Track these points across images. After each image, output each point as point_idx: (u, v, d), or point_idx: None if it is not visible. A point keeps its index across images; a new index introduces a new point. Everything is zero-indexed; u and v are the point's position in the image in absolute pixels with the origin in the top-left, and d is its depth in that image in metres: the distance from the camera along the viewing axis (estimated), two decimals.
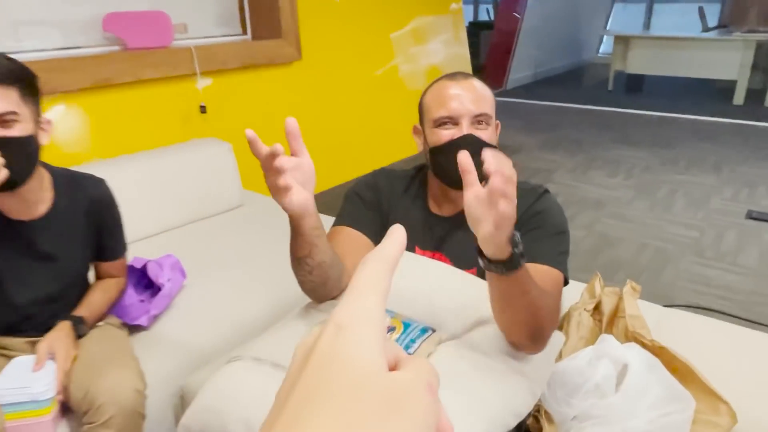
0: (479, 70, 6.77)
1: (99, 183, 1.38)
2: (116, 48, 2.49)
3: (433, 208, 1.21)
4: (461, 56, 4.52)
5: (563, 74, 8.50)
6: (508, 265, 0.83)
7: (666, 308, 1.52)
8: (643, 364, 1.07)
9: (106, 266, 1.43)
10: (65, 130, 2.25)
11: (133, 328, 1.48)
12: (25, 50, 2.22)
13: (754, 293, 2.43)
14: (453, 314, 1.00)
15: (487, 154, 0.79)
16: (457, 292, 1.03)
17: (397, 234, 0.29)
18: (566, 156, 4.49)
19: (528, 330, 0.93)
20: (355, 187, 1.25)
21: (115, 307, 1.46)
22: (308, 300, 1.68)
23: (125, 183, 2.01)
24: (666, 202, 3.50)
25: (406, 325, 0.93)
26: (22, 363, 1.21)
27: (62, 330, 1.25)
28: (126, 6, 2.47)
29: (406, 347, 0.90)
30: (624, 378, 1.07)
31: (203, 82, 2.72)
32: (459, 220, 1.17)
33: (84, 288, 1.41)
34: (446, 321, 0.98)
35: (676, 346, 1.20)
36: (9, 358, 1.25)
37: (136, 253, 1.67)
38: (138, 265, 1.55)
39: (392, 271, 0.27)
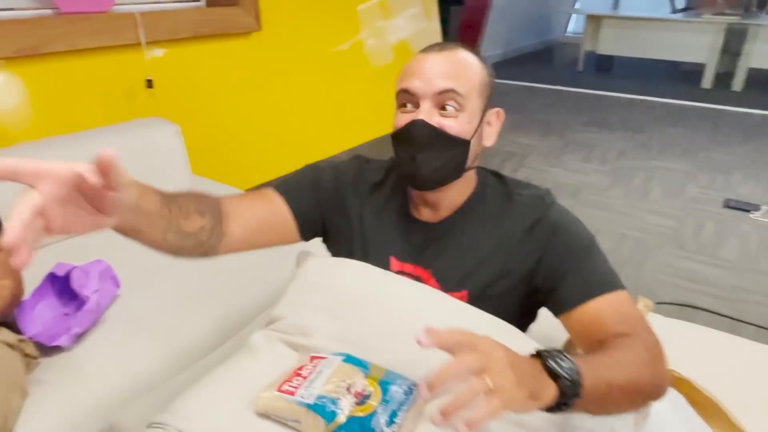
0: None
1: None
2: (47, 11, 2.17)
3: (414, 211, 0.97)
4: (432, 32, 4.29)
5: (533, 53, 8.35)
6: (568, 403, 0.61)
7: (667, 319, 1.37)
8: (666, 403, 0.90)
9: None
10: None
11: (53, 349, 1.23)
12: None
13: (737, 288, 2.33)
14: (441, 359, 0.80)
15: (422, 337, 0.56)
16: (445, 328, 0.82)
17: None
18: (539, 139, 4.35)
19: (642, 402, 0.75)
20: (320, 164, 1.03)
21: (30, 323, 1.22)
22: (259, 315, 1.47)
23: None
24: (642, 189, 3.39)
25: (385, 389, 0.72)
26: None
27: None
28: None
29: (388, 424, 0.69)
30: (643, 420, 0.90)
31: (150, 53, 2.43)
32: (445, 228, 0.94)
33: None
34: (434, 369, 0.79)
35: (686, 367, 1.04)
36: None
37: (61, 256, 1.42)
38: (61, 273, 1.30)
39: None
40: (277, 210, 0.94)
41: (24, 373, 1.16)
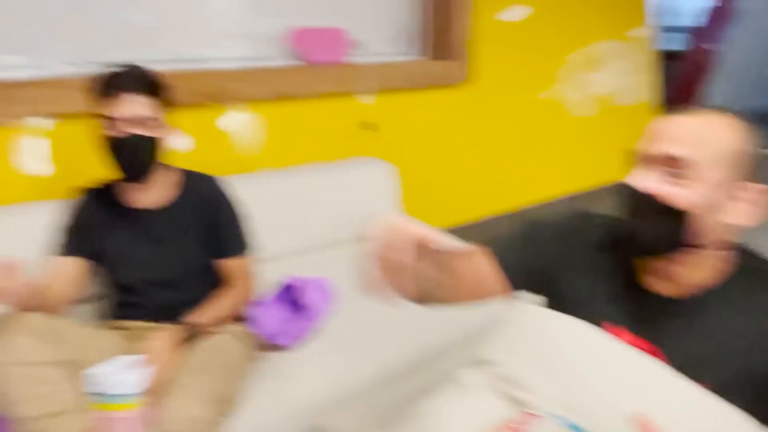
0: (663, 104, 6.12)
1: (210, 180, 1.47)
2: (297, 62, 2.53)
3: (643, 280, 0.88)
4: (647, 85, 4.08)
5: (766, 115, 7.40)
6: None
7: None
8: None
9: (225, 265, 1.44)
10: (242, 138, 2.32)
11: (275, 347, 1.43)
12: (216, 59, 2.32)
13: None
14: None
15: None
16: (682, 413, 0.74)
17: None
18: None
19: None
20: (539, 220, 1.03)
21: (261, 322, 1.41)
22: (452, 349, 1.51)
23: (287, 195, 2.01)
24: None
25: None
26: (122, 360, 1.18)
27: (163, 339, 1.25)
28: (306, 21, 2.50)
29: None
30: None
31: (372, 100, 2.69)
32: (685, 306, 0.84)
33: (204, 286, 1.43)
34: None
35: None
36: (131, 341, 1.31)
37: (293, 269, 1.62)
38: (291, 283, 1.50)
39: None
40: (488, 270, 0.98)
41: (246, 361, 1.36)
